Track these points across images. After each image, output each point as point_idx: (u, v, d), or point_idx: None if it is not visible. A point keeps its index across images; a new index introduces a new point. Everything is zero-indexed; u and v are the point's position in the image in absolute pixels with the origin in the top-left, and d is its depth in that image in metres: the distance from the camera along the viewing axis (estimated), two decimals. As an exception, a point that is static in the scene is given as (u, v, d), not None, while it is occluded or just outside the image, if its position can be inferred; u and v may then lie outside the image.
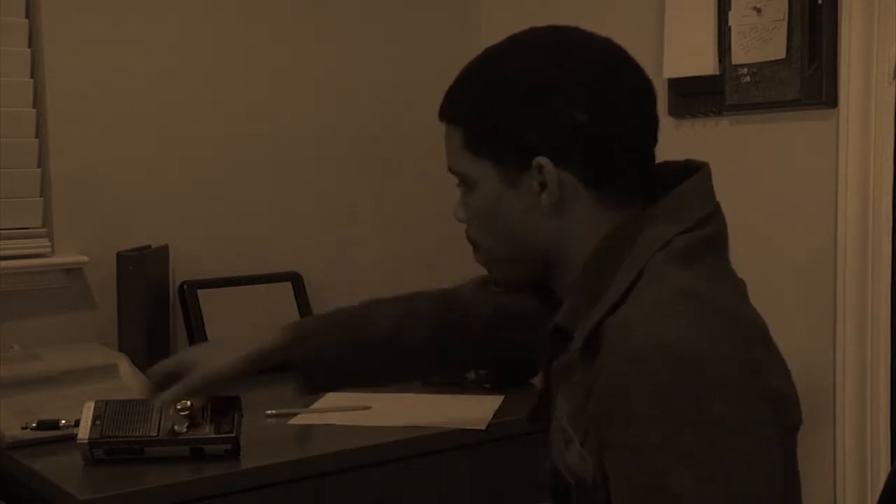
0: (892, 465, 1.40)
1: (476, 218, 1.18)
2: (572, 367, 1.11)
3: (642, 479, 0.99)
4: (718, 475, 0.97)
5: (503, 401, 2.00)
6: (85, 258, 2.21)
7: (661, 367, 0.98)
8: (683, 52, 2.22)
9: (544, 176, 1.10)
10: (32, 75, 2.18)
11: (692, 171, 1.15)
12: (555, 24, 1.17)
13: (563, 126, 1.09)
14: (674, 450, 0.97)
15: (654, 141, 1.16)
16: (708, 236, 1.11)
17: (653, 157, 1.16)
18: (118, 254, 2.17)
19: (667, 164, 1.18)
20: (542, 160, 1.10)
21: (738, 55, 2.15)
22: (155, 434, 1.56)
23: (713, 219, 1.13)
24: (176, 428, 1.56)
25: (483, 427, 1.85)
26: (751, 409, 1.00)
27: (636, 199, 1.13)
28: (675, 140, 2.29)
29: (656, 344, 1.00)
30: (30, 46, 2.18)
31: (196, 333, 2.29)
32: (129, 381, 1.92)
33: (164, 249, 2.28)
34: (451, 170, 1.20)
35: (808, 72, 2.05)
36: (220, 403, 1.59)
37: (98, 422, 1.57)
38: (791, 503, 1.10)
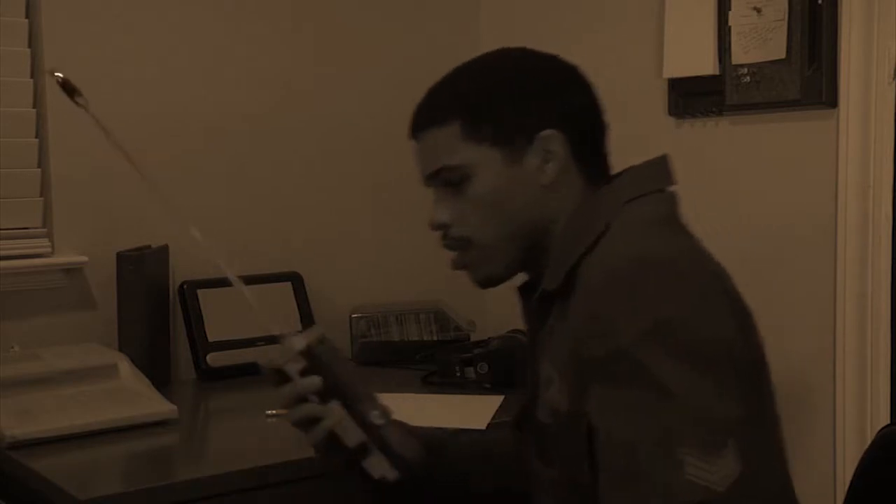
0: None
1: (474, 209, 1.21)
2: (556, 323, 1.15)
3: (629, 388, 1.03)
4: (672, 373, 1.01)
5: (503, 401, 2.00)
6: (85, 258, 2.20)
7: (632, 271, 1.05)
8: (683, 52, 2.22)
9: (549, 148, 1.17)
10: (32, 75, 2.18)
11: None
12: None
13: (561, 102, 1.19)
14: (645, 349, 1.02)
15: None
16: (669, 197, 1.19)
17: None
18: (118, 254, 2.17)
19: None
20: (550, 131, 1.17)
21: (738, 55, 2.14)
22: None
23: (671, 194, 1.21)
24: None
25: (483, 427, 1.85)
26: (710, 313, 1.04)
27: (606, 178, 1.22)
28: (675, 140, 2.29)
29: (627, 256, 1.08)
30: (30, 46, 2.18)
31: (196, 333, 2.29)
32: (128, 382, 1.92)
33: (164, 249, 2.27)
34: (437, 172, 1.24)
35: (808, 72, 2.05)
36: None
37: None
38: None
